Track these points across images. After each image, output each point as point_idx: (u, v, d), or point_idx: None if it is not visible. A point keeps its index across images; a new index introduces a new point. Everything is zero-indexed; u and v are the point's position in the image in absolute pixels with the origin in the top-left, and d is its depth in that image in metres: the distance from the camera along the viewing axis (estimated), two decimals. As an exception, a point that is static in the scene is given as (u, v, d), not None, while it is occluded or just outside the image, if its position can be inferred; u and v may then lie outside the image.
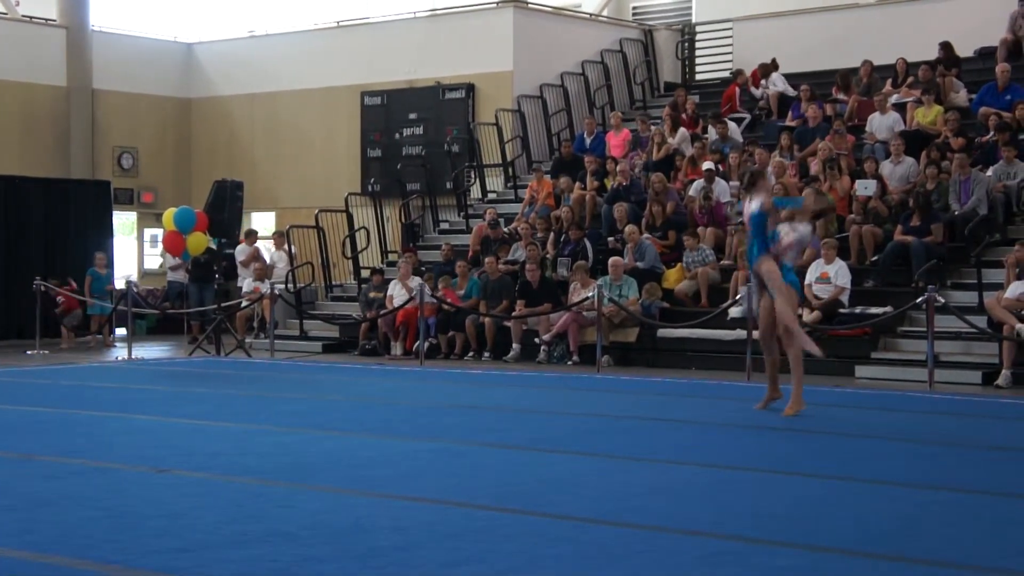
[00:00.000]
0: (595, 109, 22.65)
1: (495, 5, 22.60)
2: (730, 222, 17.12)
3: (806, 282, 15.09)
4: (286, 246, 20.70)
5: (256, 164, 24.76)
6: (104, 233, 21.40)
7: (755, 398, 10.82)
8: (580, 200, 18.81)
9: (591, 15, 25.55)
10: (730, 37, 23.52)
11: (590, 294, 15.63)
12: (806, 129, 18.54)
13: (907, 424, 10.12)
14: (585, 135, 20.98)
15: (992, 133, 16.74)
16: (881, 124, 18.06)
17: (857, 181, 16.50)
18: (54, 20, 24.05)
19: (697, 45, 24.66)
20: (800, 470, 7.42)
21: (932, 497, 6.64)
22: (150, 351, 18.39)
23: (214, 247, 18.13)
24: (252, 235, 20.94)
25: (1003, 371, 13.17)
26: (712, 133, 19.59)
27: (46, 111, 23.74)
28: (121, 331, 20.13)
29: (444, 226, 21.74)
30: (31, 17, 24.33)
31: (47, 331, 18.99)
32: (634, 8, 26.93)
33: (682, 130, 19.85)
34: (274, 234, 21.83)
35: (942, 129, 17.45)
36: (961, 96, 18.68)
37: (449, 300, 17.09)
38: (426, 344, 16.81)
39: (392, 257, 20.80)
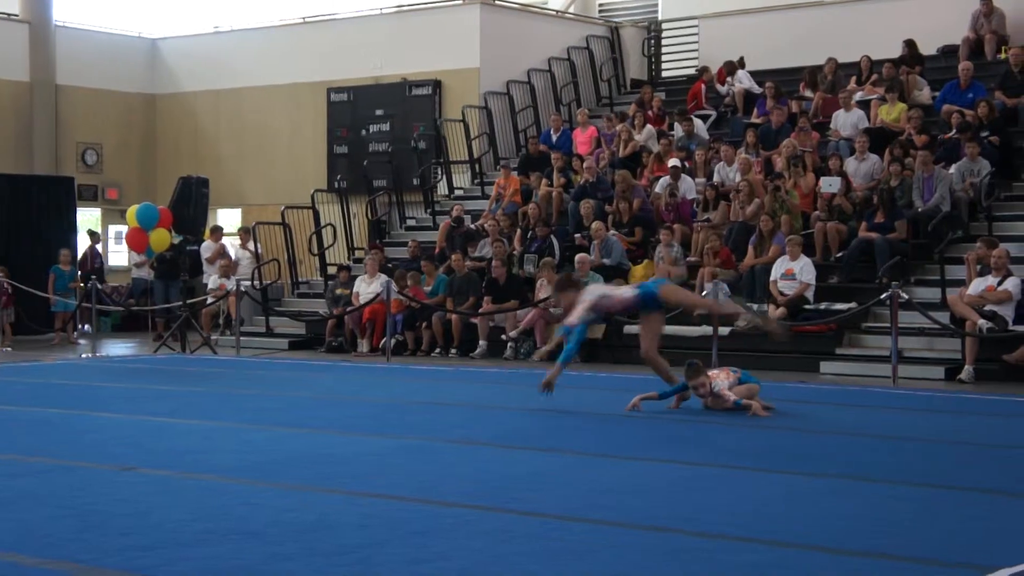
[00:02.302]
0: (561, 106, 22.67)
1: (462, 2, 22.58)
2: (696, 219, 17.19)
3: (771, 278, 15.17)
4: (252, 243, 20.61)
5: (221, 160, 24.63)
6: (68, 229, 21.23)
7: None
8: (547, 197, 18.82)
9: (558, 12, 25.57)
10: (696, 34, 23.59)
11: (557, 291, 15.63)
12: (771, 126, 18.62)
13: (871, 420, 10.18)
14: (552, 132, 20.99)
15: (955, 131, 16.86)
16: (845, 121, 18.16)
17: (822, 178, 16.59)
18: (16, 15, 23.83)
19: (663, 42, 24.73)
20: (766, 466, 7.45)
21: (896, 492, 6.68)
22: (115, 348, 18.27)
23: (177, 243, 18.02)
24: (218, 232, 20.83)
25: (966, 366, 13.28)
26: (678, 130, 19.64)
27: (8, 106, 23.52)
28: (86, 328, 19.98)
29: (411, 223, 21.70)
30: (-7, 12, 24.12)
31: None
32: (600, 5, 26.95)
33: (648, 127, 19.89)
34: (240, 231, 21.74)
35: (905, 126, 17.56)
36: (924, 94, 18.80)
37: (412, 295, 17.06)
38: (393, 341, 16.77)
39: (359, 254, 20.76)
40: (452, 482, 6.86)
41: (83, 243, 22.24)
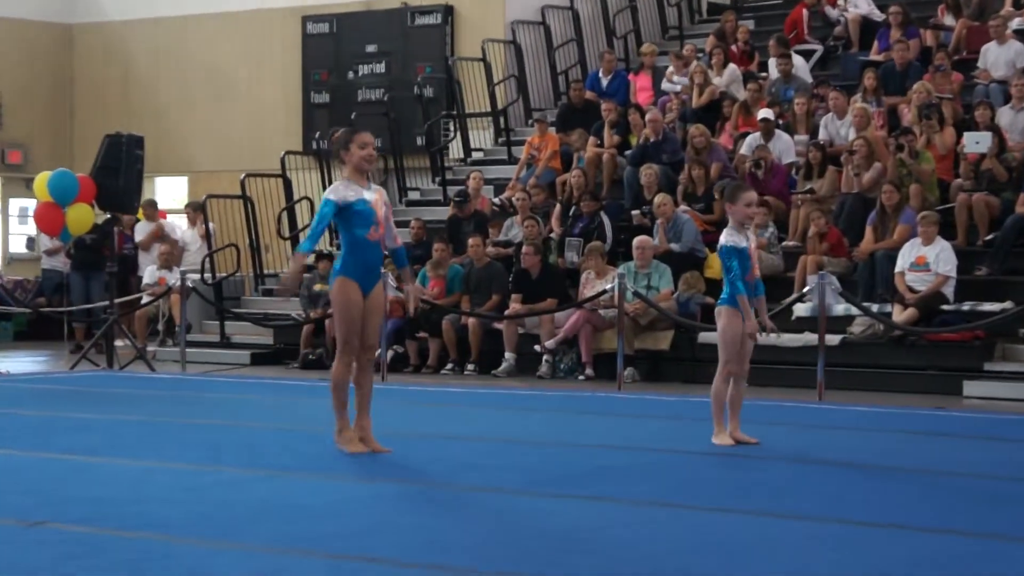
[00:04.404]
0: (615, 40, 22.63)
1: None
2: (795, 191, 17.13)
3: (897, 269, 15.10)
4: (202, 223, 20.65)
5: (161, 113, 24.70)
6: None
7: (827, 423, 10.84)
8: (595, 161, 18.80)
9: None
10: (796, -58, 23.50)
11: (608, 286, 15.62)
12: (896, 65, 18.50)
13: (1033, 459, 10.12)
14: (601, 75, 20.96)
15: None
16: (998, 58, 18.07)
17: (965, 134, 16.50)
18: None
19: (752, -48, 24.66)
20: (887, 520, 7.40)
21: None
22: (19, 363, 18.33)
23: (101, 223, 18.05)
24: (154, 208, 20.87)
25: None
26: (772, 70, 19.58)
27: None
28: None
29: (414, 196, 21.72)
30: None
31: None
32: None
33: (731, 67, 19.84)
34: (186, 207, 21.79)
35: (1082, 64, 17.47)
36: (1107, 20, 18.70)
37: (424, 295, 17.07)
38: (389, 353, 16.77)
39: (344, 237, 20.77)
40: (469, 542, 6.84)
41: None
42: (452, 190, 20.21)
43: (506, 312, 16.76)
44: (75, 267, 19.73)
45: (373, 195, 9.72)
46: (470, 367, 16.81)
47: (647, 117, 18.65)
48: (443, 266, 17.50)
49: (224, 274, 20.12)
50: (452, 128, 22.08)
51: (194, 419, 12.32)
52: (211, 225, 20.63)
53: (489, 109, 21.88)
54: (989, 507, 7.96)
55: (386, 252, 10.01)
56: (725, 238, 9.97)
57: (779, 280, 15.98)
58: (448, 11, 22.53)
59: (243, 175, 20.85)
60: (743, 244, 9.92)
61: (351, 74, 23.32)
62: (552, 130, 20.03)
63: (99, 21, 25.61)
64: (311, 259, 19.55)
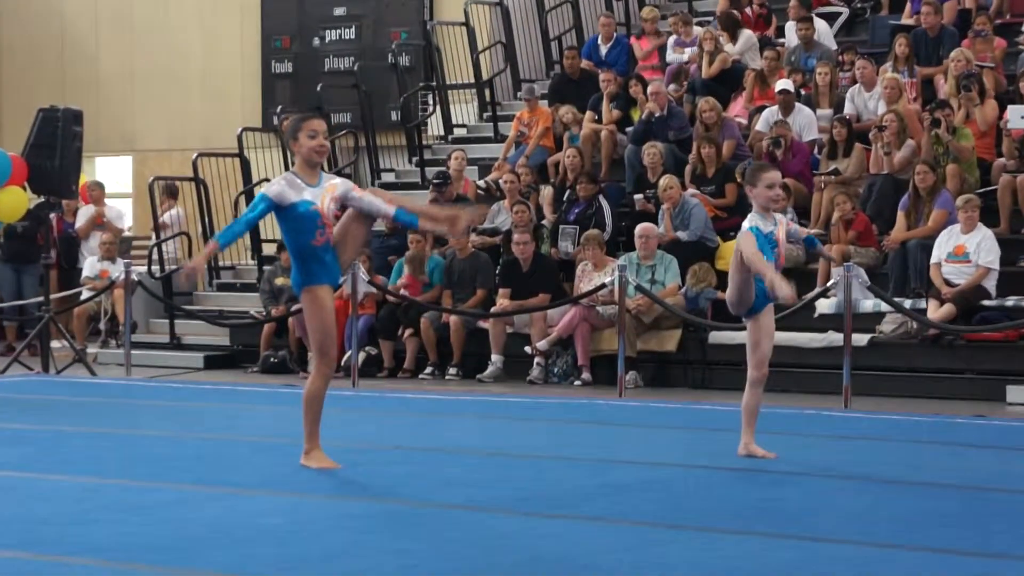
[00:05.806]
0: (615, 2, 22.61)
1: None
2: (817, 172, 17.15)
3: (932, 260, 15.11)
4: (170, 208, 20.62)
5: (102, 84, 24.66)
6: None
7: (853, 433, 10.84)
8: (593, 139, 18.77)
9: None
10: None
11: (608, 280, 15.62)
12: (931, 30, 18.50)
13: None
14: (600, 41, 20.94)
15: None
16: (1046, 22, 18.10)
17: (1009, 108, 16.51)
18: None
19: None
20: (920, 543, 7.41)
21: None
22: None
23: (34, 208, 18.02)
24: (101, 189, 20.82)
25: None
26: (791, 36, 19.56)
27: None
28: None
29: (388, 177, 21.69)
30: None
31: None
32: None
33: (746, 32, 19.82)
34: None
35: None
36: None
37: (393, 290, 17.06)
38: (361, 355, 16.75)
39: (309, 224, 20.74)
40: (448, 565, 6.84)
41: None
42: (431, 171, 20.17)
43: (493, 309, 16.75)
44: (5, 259, 19.68)
45: (320, 191, 9.28)
46: (452, 371, 16.78)
47: (650, 89, 18.61)
48: (421, 259, 17.41)
49: (174, 267, 20.07)
50: (431, 101, 22.04)
51: (141, 430, 12.30)
52: (160, 211, 20.53)
53: (473, 80, 21.84)
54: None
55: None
56: (749, 222, 9.93)
57: (800, 273, 16.00)
58: (427, -31, 22.58)
59: (195, 154, 20.78)
60: (770, 228, 9.89)
61: (317, 40, 23.29)
62: (544, 104, 20.00)
63: (32, -19, 25.62)
64: (274, 249, 19.57)
